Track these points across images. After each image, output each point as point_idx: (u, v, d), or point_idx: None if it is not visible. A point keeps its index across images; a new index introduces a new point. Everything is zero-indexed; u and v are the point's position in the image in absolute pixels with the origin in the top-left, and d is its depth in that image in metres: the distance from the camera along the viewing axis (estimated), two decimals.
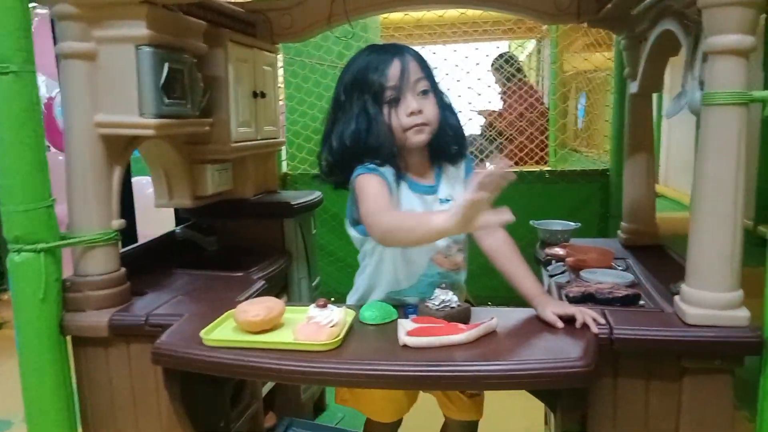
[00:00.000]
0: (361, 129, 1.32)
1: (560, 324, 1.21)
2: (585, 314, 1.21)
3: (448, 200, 1.38)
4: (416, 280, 1.39)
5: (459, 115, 1.45)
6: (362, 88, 1.33)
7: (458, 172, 1.44)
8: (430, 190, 1.39)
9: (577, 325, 1.20)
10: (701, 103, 1.12)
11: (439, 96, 1.38)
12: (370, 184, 1.30)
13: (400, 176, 1.35)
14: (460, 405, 1.54)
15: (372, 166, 1.32)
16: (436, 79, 1.39)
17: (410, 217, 1.26)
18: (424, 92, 1.34)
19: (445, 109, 1.40)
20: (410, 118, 1.32)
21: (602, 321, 1.20)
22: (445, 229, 1.12)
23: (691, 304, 1.16)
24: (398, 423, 1.58)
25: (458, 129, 1.42)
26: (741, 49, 1.05)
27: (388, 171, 1.32)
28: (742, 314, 1.14)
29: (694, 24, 1.23)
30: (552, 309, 1.24)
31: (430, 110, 1.34)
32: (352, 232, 1.42)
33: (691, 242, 1.16)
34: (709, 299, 1.14)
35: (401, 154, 1.35)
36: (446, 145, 1.40)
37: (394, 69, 1.31)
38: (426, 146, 1.38)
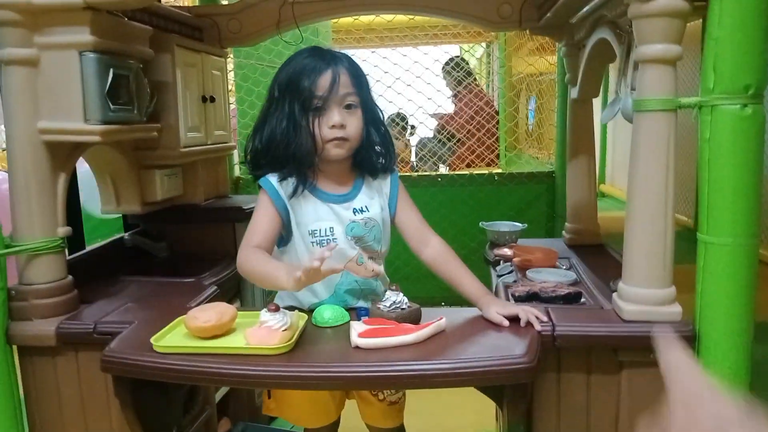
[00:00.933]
0: (284, 132, 1.33)
1: (506, 323, 1.25)
2: (528, 313, 1.25)
3: (363, 210, 1.39)
4: (334, 290, 1.40)
5: (387, 131, 1.46)
6: (293, 92, 1.32)
7: (381, 185, 1.45)
8: (342, 199, 1.40)
9: (522, 323, 1.24)
10: (632, 110, 1.18)
11: (369, 111, 1.39)
12: (259, 207, 1.36)
13: (307, 186, 1.36)
14: (379, 412, 1.53)
15: (271, 182, 1.35)
16: (369, 94, 1.40)
17: (261, 266, 1.26)
18: (350, 106, 1.34)
19: (372, 124, 1.40)
20: (331, 130, 1.32)
21: (545, 319, 1.25)
22: (284, 286, 1.19)
23: (627, 300, 1.22)
24: (334, 426, 1.55)
25: (385, 144, 1.43)
26: (668, 57, 1.12)
27: (287, 185, 1.35)
28: (675, 309, 1.20)
29: (626, 33, 1.29)
30: (496, 309, 1.28)
31: (353, 126, 1.34)
32: None
33: (626, 242, 1.22)
34: (644, 296, 1.20)
35: (319, 162, 1.37)
36: (369, 159, 1.41)
37: (324, 78, 1.31)
38: (348, 158, 1.39)
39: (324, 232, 1.36)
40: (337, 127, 1.32)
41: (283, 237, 1.39)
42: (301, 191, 1.36)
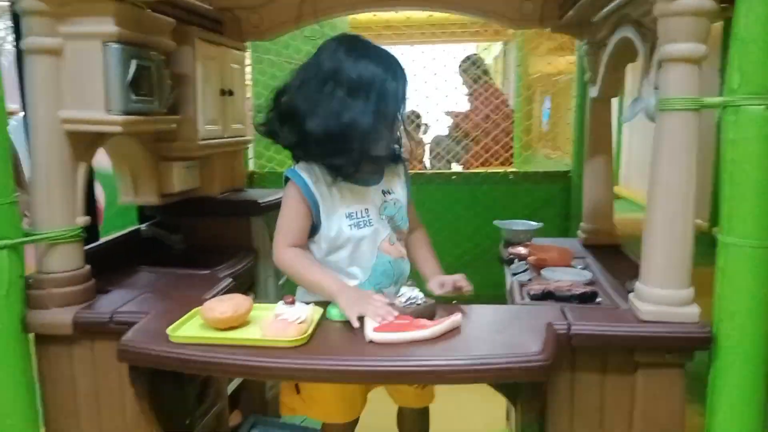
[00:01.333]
0: (369, 127, 1.33)
1: (438, 291, 1.42)
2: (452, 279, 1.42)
3: (390, 192, 1.49)
4: (371, 271, 1.43)
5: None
6: (380, 92, 1.34)
7: (396, 170, 1.54)
8: (374, 182, 1.47)
9: (446, 288, 1.41)
10: (656, 109, 1.17)
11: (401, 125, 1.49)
12: (289, 202, 1.41)
13: (349, 175, 1.40)
14: (411, 393, 1.59)
15: (302, 176, 1.40)
16: None
17: (313, 274, 1.37)
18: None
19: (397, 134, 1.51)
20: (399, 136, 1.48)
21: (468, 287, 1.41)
22: (330, 296, 1.31)
23: (644, 300, 1.22)
24: (355, 422, 1.57)
25: (400, 138, 1.53)
26: (693, 57, 1.11)
27: (322, 174, 1.40)
28: (693, 311, 1.19)
29: (650, 32, 1.28)
30: (433, 280, 1.45)
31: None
32: None
33: (645, 241, 1.21)
34: (662, 296, 1.19)
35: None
36: (394, 151, 1.52)
37: (403, 87, 1.39)
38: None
39: (360, 213, 1.42)
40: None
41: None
42: (347, 177, 1.40)
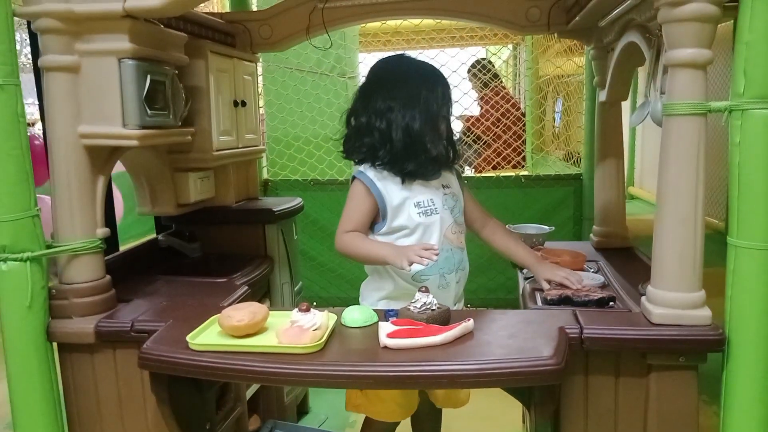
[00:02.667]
0: (428, 131, 1.53)
1: (546, 286, 1.50)
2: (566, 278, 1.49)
3: (448, 186, 1.62)
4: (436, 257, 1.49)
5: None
6: (438, 97, 1.54)
7: (450, 167, 1.66)
8: (434, 177, 1.59)
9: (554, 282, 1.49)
10: (662, 113, 1.18)
11: None
12: (353, 198, 1.56)
13: (419, 177, 1.56)
14: (454, 395, 1.68)
15: (368, 175, 1.54)
16: None
17: (366, 246, 1.53)
18: None
19: None
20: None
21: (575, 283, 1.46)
22: (390, 262, 1.45)
23: (656, 304, 1.22)
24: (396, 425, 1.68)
25: (451, 137, 1.65)
26: (698, 62, 1.11)
27: (389, 174, 1.54)
28: (704, 313, 1.20)
29: (655, 37, 1.29)
30: (543, 275, 1.54)
31: None
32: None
33: (655, 246, 1.22)
34: (673, 299, 1.20)
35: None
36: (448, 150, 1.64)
37: (449, 95, 1.59)
38: None
39: (427, 203, 1.55)
40: None
41: (374, 226, 1.57)
42: (419, 177, 1.55)
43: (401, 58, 1.63)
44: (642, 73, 1.76)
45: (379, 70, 1.61)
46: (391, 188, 1.54)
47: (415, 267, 1.45)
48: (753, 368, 1.15)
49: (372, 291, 1.62)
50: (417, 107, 1.51)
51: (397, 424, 1.68)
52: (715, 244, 1.22)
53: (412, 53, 1.77)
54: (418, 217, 1.53)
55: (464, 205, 1.66)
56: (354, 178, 1.58)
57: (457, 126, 4.20)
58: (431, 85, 1.53)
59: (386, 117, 1.52)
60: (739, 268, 1.14)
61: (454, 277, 1.58)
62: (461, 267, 1.61)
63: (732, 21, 1.40)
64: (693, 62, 1.11)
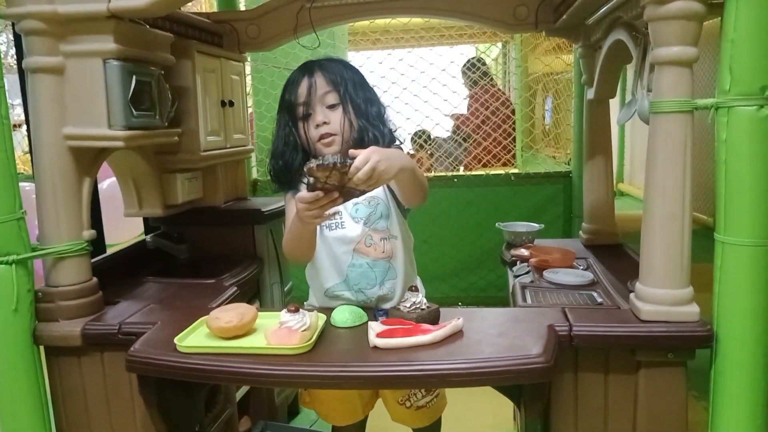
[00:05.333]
0: (279, 145, 1.50)
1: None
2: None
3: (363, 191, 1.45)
4: (346, 273, 1.47)
5: (380, 114, 1.51)
6: (283, 107, 1.49)
7: None
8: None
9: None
10: (649, 111, 1.19)
11: (355, 105, 1.46)
12: (289, 209, 1.50)
13: (289, 186, 1.51)
14: (406, 416, 1.60)
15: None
16: (355, 88, 1.47)
17: (289, 233, 1.44)
18: (333, 105, 1.45)
19: (363, 116, 1.47)
20: (317, 129, 1.45)
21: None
22: (303, 225, 1.32)
23: (644, 300, 1.23)
24: (359, 425, 1.63)
25: (380, 129, 1.48)
26: (684, 59, 1.12)
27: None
28: (693, 309, 1.20)
29: (642, 35, 1.29)
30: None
31: (336, 121, 1.45)
32: None
33: (643, 243, 1.22)
34: (661, 296, 1.20)
35: None
36: (373, 143, 1.41)
37: (302, 87, 1.45)
38: (357, 147, 1.34)
39: (332, 216, 1.39)
40: (320, 125, 1.44)
41: None
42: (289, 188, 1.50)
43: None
44: (630, 70, 1.77)
45: None
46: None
47: (326, 283, 1.48)
48: (741, 364, 1.15)
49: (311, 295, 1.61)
50: (278, 115, 1.51)
51: (357, 427, 1.63)
52: (704, 240, 1.23)
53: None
54: (324, 231, 1.47)
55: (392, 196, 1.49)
56: (286, 192, 1.56)
57: (447, 124, 4.20)
58: (284, 89, 1.50)
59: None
60: (727, 265, 1.14)
61: (377, 290, 1.48)
62: (389, 277, 1.49)
63: (718, 18, 1.42)
64: (679, 60, 1.11)
